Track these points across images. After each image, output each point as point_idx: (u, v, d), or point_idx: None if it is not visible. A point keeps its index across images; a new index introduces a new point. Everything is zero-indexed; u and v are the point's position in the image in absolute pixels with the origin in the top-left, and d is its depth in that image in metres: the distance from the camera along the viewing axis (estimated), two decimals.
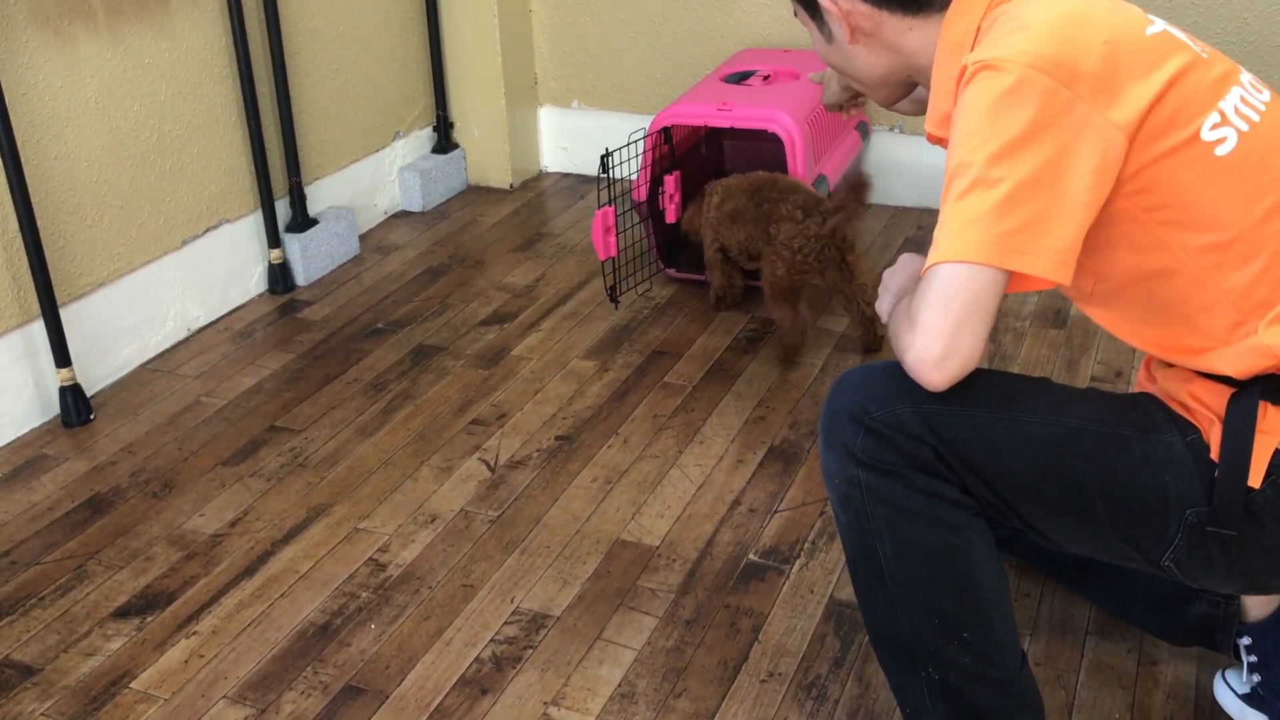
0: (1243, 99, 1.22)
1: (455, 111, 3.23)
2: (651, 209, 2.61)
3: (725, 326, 2.49)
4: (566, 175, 3.36)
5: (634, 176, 2.60)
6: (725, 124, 2.53)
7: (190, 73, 2.45)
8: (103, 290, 2.33)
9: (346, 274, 2.80)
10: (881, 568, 1.25)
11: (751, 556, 1.81)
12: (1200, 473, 1.19)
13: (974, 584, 1.24)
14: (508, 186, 3.27)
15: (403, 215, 3.12)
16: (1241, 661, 1.48)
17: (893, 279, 1.33)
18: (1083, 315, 2.16)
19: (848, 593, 1.72)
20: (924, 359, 1.14)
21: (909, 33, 1.33)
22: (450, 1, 3.09)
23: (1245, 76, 1.25)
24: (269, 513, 1.95)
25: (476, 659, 1.64)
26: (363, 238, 2.98)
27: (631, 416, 2.18)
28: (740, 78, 2.73)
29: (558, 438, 2.12)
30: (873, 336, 2.34)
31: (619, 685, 1.58)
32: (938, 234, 1.16)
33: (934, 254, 1.15)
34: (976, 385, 1.19)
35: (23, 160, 2.07)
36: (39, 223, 2.12)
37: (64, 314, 2.20)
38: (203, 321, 2.57)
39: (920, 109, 1.48)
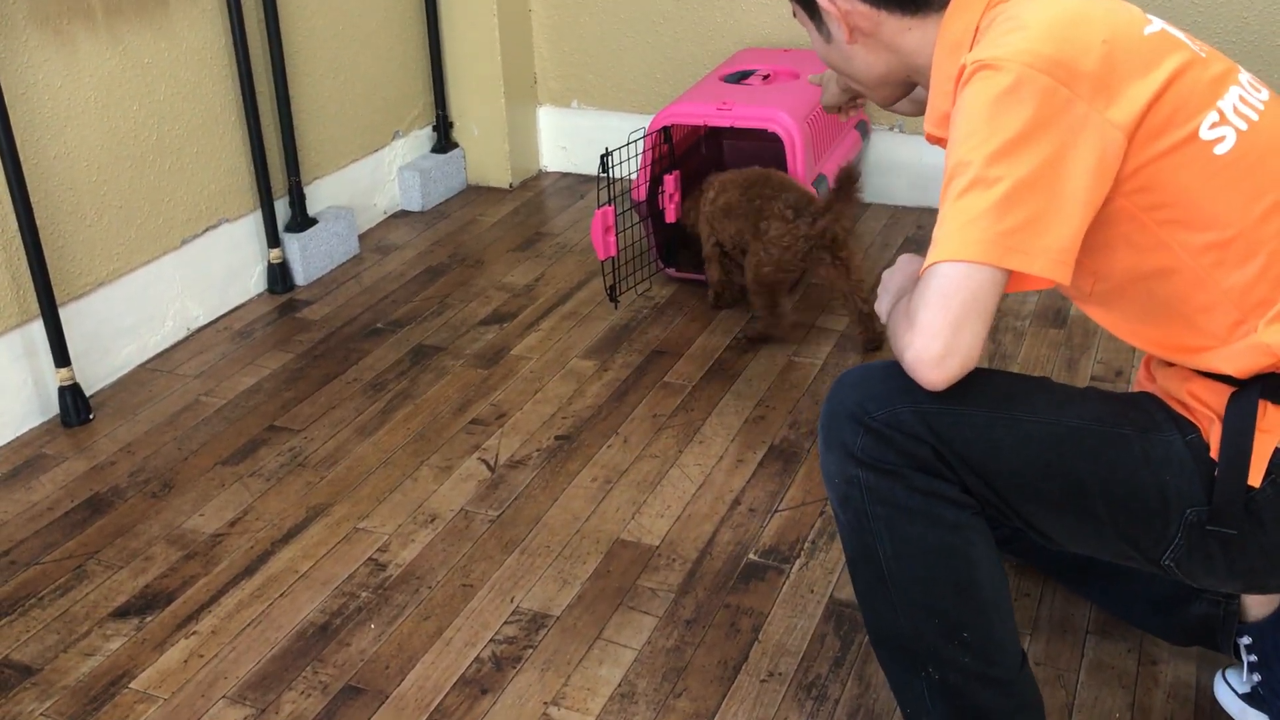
0: (1241, 98, 1.22)
1: (455, 111, 3.23)
2: (651, 208, 2.61)
3: (725, 326, 2.49)
4: (566, 175, 3.36)
5: (634, 176, 2.60)
6: (725, 123, 2.53)
7: (189, 72, 2.44)
8: (102, 290, 2.33)
9: (346, 274, 2.79)
10: (881, 567, 1.25)
11: (751, 556, 1.81)
12: (1200, 472, 1.19)
13: (974, 584, 1.24)
14: (507, 186, 3.27)
15: (402, 215, 3.12)
16: (1242, 661, 1.48)
17: (892, 279, 1.33)
18: (1083, 315, 2.16)
19: (848, 592, 1.72)
20: (923, 358, 1.14)
21: (907, 33, 1.33)
22: (450, 1, 3.09)
23: (1244, 75, 1.25)
24: (268, 512, 1.95)
25: (476, 659, 1.64)
26: (362, 237, 2.97)
27: (631, 416, 2.18)
28: (740, 77, 2.73)
29: (557, 437, 2.12)
30: (872, 334, 2.33)
31: (619, 685, 1.58)
32: (937, 233, 1.16)
33: (933, 253, 1.15)
34: (976, 384, 1.19)
35: (22, 160, 2.07)
36: (38, 222, 2.12)
37: (63, 314, 2.20)
38: (202, 321, 2.57)
39: (919, 109, 1.48)
